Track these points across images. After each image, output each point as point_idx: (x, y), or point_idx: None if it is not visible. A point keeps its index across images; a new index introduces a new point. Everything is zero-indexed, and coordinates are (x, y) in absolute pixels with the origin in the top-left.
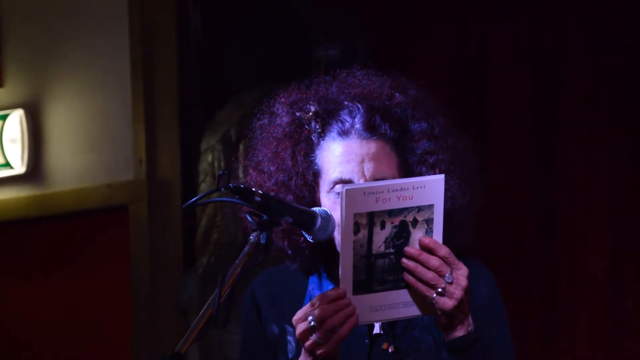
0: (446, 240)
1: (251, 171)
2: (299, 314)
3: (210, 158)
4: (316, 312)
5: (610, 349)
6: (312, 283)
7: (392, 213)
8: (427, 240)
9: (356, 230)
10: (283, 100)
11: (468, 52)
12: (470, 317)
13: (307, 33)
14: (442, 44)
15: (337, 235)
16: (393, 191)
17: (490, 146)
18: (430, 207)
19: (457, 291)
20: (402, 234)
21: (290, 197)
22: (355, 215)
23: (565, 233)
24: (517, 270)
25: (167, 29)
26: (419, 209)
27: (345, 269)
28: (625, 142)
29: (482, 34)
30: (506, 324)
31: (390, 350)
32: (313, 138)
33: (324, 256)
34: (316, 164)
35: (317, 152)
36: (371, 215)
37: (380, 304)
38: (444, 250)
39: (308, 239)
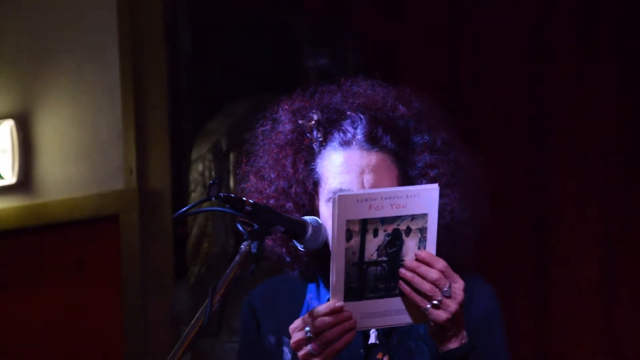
0: (446, 255)
1: (251, 177)
2: (296, 322)
3: (200, 167)
4: (314, 323)
5: (603, 353)
6: (310, 292)
7: (385, 221)
8: (423, 254)
9: (348, 237)
10: (286, 107)
11: (459, 62)
12: (464, 330)
13: (296, 43)
14: (433, 54)
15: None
16: (386, 199)
17: (481, 154)
18: (424, 216)
19: (452, 304)
20: (395, 242)
21: (289, 205)
22: (347, 222)
23: (557, 241)
24: (509, 278)
25: (157, 39)
26: (413, 217)
27: (337, 276)
28: (616, 149)
29: (474, 43)
30: (504, 340)
31: None
32: (314, 146)
33: (321, 264)
34: (316, 172)
35: (318, 160)
36: (364, 223)
37: (372, 311)
38: (441, 264)
39: (299, 248)
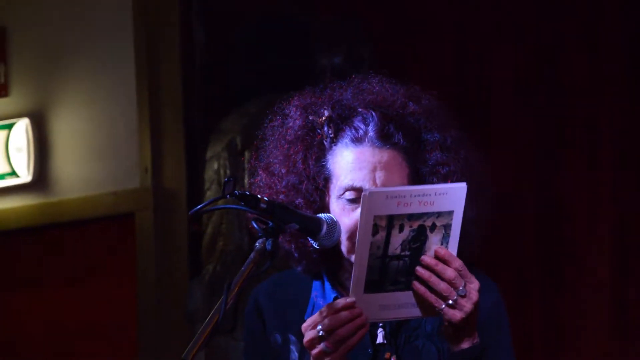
0: (457, 254)
1: (261, 172)
2: (309, 321)
3: (215, 166)
4: (326, 321)
5: (615, 354)
6: (316, 290)
7: (412, 217)
8: (442, 252)
9: (375, 232)
10: (297, 103)
11: (471, 61)
12: (476, 330)
13: (310, 42)
14: (445, 53)
15: (345, 241)
16: (415, 196)
17: (492, 151)
18: (450, 213)
19: (467, 304)
20: (419, 238)
21: (300, 201)
22: (375, 217)
23: (568, 237)
24: (520, 276)
25: (172, 39)
26: (439, 214)
27: (360, 268)
28: (628, 145)
29: (486, 42)
30: (509, 339)
31: None
32: (325, 143)
33: (329, 261)
34: (327, 169)
35: (329, 157)
36: (391, 218)
37: (390, 303)
38: (458, 263)
39: (314, 245)
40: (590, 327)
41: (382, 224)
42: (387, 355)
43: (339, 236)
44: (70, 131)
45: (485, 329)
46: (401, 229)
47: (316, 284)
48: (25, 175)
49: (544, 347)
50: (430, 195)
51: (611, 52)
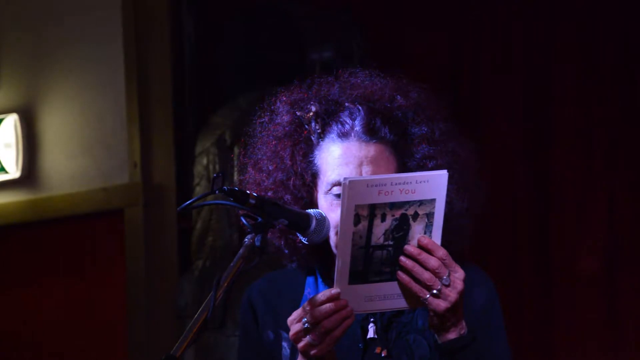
0: (443, 245)
1: (250, 169)
2: (294, 315)
3: (205, 161)
4: (313, 313)
5: (607, 349)
6: (309, 286)
7: (393, 206)
8: (425, 241)
9: (356, 222)
10: (284, 98)
11: (463, 56)
12: (463, 320)
13: (301, 36)
14: (437, 48)
15: (333, 237)
16: (396, 184)
17: (483, 145)
18: (432, 201)
19: (452, 294)
20: (402, 227)
21: (288, 197)
22: (356, 206)
23: (559, 232)
24: (512, 270)
25: (161, 33)
26: (421, 202)
27: (343, 259)
28: (620, 140)
29: (478, 37)
30: (503, 332)
31: (383, 355)
32: (313, 138)
33: (320, 257)
34: (315, 164)
35: (316, 152)
36: (372, 207)
37: (376, 294)
38: (442, 252)
39: (303, 240)
40: (582, 321)
41: (364, 213)
42: (377, 349)
43: (328, 231)
44: (59, 127)
45: (479, 322)
46: (383, 218)
47: (309, 281)
48: (13, 171)
49: (536, 340)
50: (411, 183)
51: (607, 50)
